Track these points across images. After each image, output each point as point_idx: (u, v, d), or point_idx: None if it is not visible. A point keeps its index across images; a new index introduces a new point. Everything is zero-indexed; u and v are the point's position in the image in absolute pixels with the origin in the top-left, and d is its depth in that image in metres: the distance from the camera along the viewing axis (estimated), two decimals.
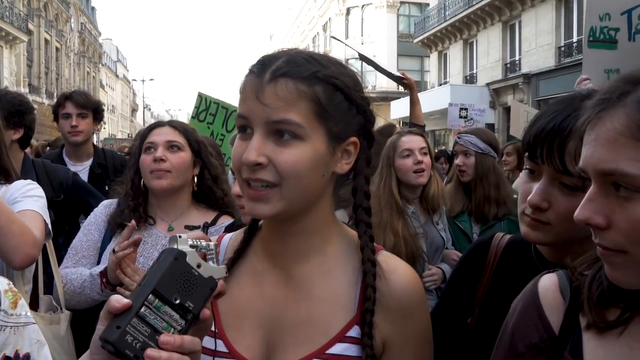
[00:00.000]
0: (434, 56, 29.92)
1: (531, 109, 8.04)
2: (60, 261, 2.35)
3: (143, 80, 74.10)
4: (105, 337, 0.86)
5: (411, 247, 2.88)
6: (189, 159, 2.39)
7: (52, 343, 2.11)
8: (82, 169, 3.84)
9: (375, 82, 30.24)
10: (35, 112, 3.34)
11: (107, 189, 3.48)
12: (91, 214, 2.51)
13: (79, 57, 54.70)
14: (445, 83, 27.00)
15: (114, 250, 2.10)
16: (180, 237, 0.94)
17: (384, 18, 35.76)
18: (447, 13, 26.06)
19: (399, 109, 25.07)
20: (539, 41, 20.25)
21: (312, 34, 47.72)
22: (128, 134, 51.97)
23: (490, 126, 19.71)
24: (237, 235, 1.31)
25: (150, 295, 0.88)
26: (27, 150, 3.46)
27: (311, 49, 1.18)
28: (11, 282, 1.40)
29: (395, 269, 1.19)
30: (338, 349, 1.11)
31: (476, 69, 25.25)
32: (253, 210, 1.10)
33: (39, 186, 2.27)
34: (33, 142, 4.51)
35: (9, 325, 1.31)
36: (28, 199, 2.15)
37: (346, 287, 1.16)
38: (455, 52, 27.23)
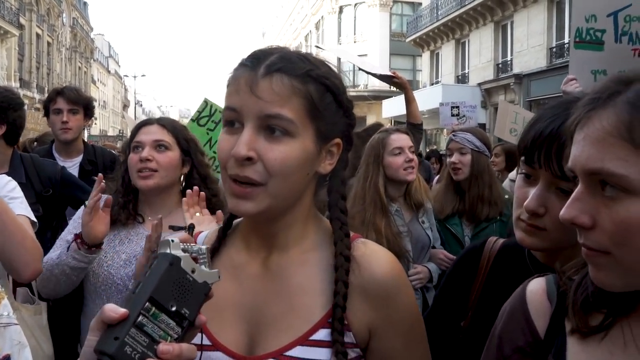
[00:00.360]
0: (426, 55, 29.95)
1: (522, 109, 7.98)
2: None
3: (135, 76, 73.44)
4: (103, 349, 0.81)
5: (394, 246, 2.86)
6: (177, 158, 2.37)
7: (37, 333, 2.12)
8: (72, 165, 3.80)
9: (367, 81, 30.16)
10: (25, 107, 3.29)
11: None
12: (82, 207, 2.48)
13: (70, 52, 54.37)
14: (437, 82, 27.00)
15: (84, 205, 2.09)
16: (172, 241, 0.90)
17: (377, 17, 35.74)
18: (439, 13, 26.10)
19: (391, 108, 25.09)
20: (530, 42, 20.32)
21: (304, 32, 47.57)
22: (119, 130, 51.64)
23: (482, 126, 19.72)
24: (212, 233, 1.31)
25: (147, 303, 0.84)
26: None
27: (303, 47, 1.18)
28: None
29: (373, 253, 1.19)
30: (322, 334, 1.11)
31: (468, 68, 25.30)
32: (237, 207, 1.09)
33: (15, 181, 2.26)
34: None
35: None
36: (15, 202, 2.13)
37: (325, 274, 1.15)
38: (447, 51, 27.26)
